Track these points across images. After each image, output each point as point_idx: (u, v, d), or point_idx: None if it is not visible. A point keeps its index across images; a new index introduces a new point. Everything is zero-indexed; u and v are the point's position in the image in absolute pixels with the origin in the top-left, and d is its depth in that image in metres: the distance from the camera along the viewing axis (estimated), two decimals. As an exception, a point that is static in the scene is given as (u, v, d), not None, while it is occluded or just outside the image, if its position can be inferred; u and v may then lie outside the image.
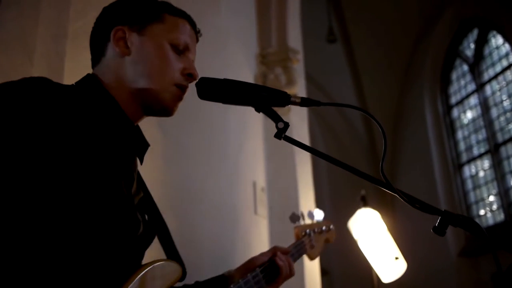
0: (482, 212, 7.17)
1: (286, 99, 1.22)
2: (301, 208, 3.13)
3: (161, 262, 1.14)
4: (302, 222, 1.81)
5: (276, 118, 1.21)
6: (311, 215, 1.88)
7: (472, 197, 7.36)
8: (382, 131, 1.19)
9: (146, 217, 1.30)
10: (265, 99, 1.22)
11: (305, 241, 1.77)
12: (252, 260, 1.55)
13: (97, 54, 1.26)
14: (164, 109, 1.24)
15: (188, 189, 2.48)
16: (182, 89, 1.25)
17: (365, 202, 3.44)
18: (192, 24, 1.31)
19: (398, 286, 4.45)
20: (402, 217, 6.93)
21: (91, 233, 0.99)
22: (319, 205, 3.57)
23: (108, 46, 1.23)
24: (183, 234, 2.34)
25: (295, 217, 1.80)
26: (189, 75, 1.25)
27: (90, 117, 1.09)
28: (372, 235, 3.18)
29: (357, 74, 8.23)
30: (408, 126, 8.25)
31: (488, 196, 7.11)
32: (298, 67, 3.50)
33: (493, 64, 7.19)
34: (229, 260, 2.62)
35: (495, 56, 7.16)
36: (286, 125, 1.20)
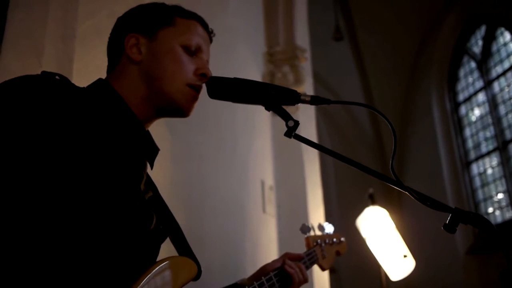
0: (490, 209, 7.14)
1: (296, 98, 1.23)
2: (309, 207, 3.13)
3: (176, 259, 1.14)
4: (312, 233, 1.82)
5: (286, 117, 1.21)
6: (321, 227, 1.87)
7: (480, 194, 7.33)
8: (391, 128, 1.19)
9: (157, 215, 1.30)
10: (275, 97, 1.23)
11: (316, 251, 1.77)
12: (264, 268, 1.54)
13: (112, 63, 1.28)
14: (179, 109, 1.24)
15: (197, 188, 2.49)
16: (196, 89, 1.25)
17: (373, 200, 3.44)
18: (204, 25, 1.32)
19: (406, 285, 4.45)
20: (409, 215, 6.91)
21: (102, 228, 1.00)
22: (326, 203, 3.56)
23: (122, 53, 1.25)
24: (192, 234, 2.33)
25: (306, 228, 1.79)
26: (203, 75, 1.25)
27: (100, 118, 1.10)
28: (381, 233, 3.18)
29: (364, 71, 8.21)
30: (416, 124, 8.22)
31: (497, 193, 7.08)
32: (306, 66, 3.49)
33: (501, 61, 7.15)
34: (238, 259, 2.63)
35: (503, 53, 7.12)
36: (296, 123, 1.20)
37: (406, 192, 1.10)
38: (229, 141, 2.76)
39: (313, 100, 1.22)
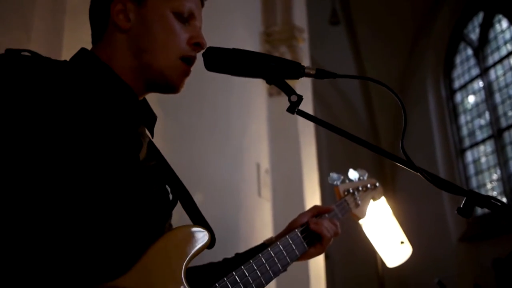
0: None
1: (299, 71, 1.15)
2: (305, 191, 3.07)
3: (187, 228, 1.07)
4: (338, 182, 1.66)
5: (289, 91, 1.14)
6: (354, 175, 1.72)
7: (474, 182, 7.31)
8: (401, 104, 1.12)
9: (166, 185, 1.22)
10: (277, 70, 1.14)
11: (348, 200, 1.64)
12: (291, 224, 1.44)
13: (97, 31, 1.18)
14: (170, 85, 1.16)
15: (190, 171, 2.41)
16: (189, 62, 1.16)
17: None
18: None
19: (398, 271, 4.42)
20: (403, 201, 6.89)
21: (100, 201, 0.93)
22: (321, 187, 3.50)
23: (108, 21, 1.15)
24: (185, 218, 2.27)
25: (335, 177, 1.66)
26: (196, 44, 1.16)
27: (85, 90, 1.01)
28: (377, 218, 3.11)
29: (359, 57, 8.13)
30: (411, 110, 8.16)
31: (491, 181, 7.06)
32: (304, 47, 3.40)
33: (498, 48, 7.09)
34: (233, 243, 2.56)
35: (500, 40, 7.05)
36: (300, 98, 1.13)
37: (418, 173, 1.02)
38: (224, 123, 2.67)
39: (318, 73, 1.14)
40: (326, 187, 3.42)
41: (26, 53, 0.97)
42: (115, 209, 0.95)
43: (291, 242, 1.31)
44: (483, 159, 7.24)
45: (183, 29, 1.16)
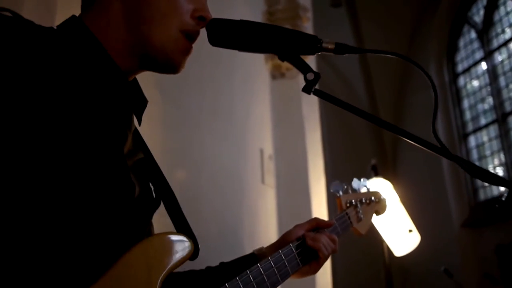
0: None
1: (316, 45, 1.01)
2: (310, 177, 2.95)
3: (168, 236, 0.94)
4: (340, 193, 1.53)
5: (304, 68, 1.00)
6: (358, 184, 1.59)
7: (477, 167, 7.22)
8: (432, 85, 1.00)
9: (149, 183, 1.09)
10: (292, 44, 1.01)
11: (350, 213, 1.50)
12: (285, 236, 1.29)
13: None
14: (169, 63, 1.01)
15: (191, 158, 2.29)
16: (191, 38, 1.02)
17: (376, 172, 3.25)
18: None
19: (400, 258, 4.33)
20: (405, 186, 6.79)
21: (74, 199, 0.80)
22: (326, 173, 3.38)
23: None
24: (187, 206, 2.15)
25: (338, 186, 1.52)
26: (201, 19, 1.02)
27: (68, 65, 0.87)
28: (384, 206, 3.01)
29: (361, 39, 7.96)
30: (413, 94, 8.04)
31: (494, 167, 6.96)
32: (308, 27, 3.25)
33: (503, 31, 6.94)
34: (236, 233, 2.45)
35: (506, 22, 6.90)
36: (317, 76, 0.99)
37: (454, 162, 0.90)
38: (226, 107, 2.54)
39: (338, 48, 1.01)
40: (330, 174, 3.31)
41: (7, 13, 0.83)
42: (89, 210, 0.81)
43: (284, 258, 1.17)
44: (486, 144, 7.14)
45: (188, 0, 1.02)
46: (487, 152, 7.11)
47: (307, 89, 1.00)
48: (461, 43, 7.67)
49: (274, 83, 3.01)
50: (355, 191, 1.59)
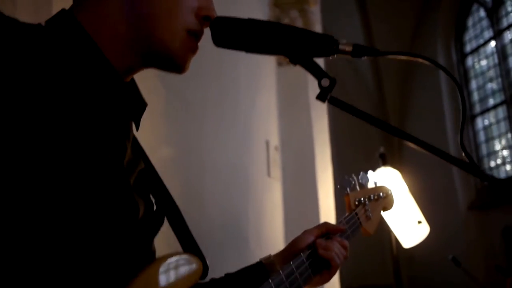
0: (493, 164, 6.96)
1: (331, 47, 0.92)
2: (317, 168, 2.86)
3: (175, 257, 0.86)
4: (348, 191, 1.42)
5: (319, 73, 0.91)
6: (364, 178, 1.48)
7: (484, 149, 7.12)
8: (460, 92, 0.91)
9: (151, 197, 1.01)
10: (304, 46, 0.92)
11: (359, 213, 1.41)
12: (294, 243, 1.21)
13: None
14: (175, 62, 0.92)
15: (195, 150, 2.21)
16: (196, 36, 0.93)
17: (384, 161, 3.16)
18: None
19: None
20: (410, 172, 6.72)
21: (74, 225, 0.72)
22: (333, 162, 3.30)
23: None
24: (190, 201, 2.09)
25: (346, 182, 1.42)
26: (206, 18, 0.93)
27: (60, 70, 0.77)
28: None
29: (367, 18, 7.79)
30: (420, 75, 7.90)
31: (502, 149, 6.87)
32: (315, 10, 3.12)
33: (513, 9, 6.76)
34: (241, 226, 2.39)
35: (516, 0, 6.72)
36: (333, 81, 0.90)
37: (484, 181, 0.82)
38: (231, 97, 2.45)
39: (356, 51, 0.91)
40: (336, 162, 3.22)
41: None
42: (92, 236, 0.74)
43: (295, 270, 1.08)
44: (494, 126, 7.02)
45: None
46: (495, 134, 7.00)
47: (322, 97, 0.90)
48: (470, 22, 7.49)
49: (280, 69, 2.91)
50: (362, 186, 1.50)
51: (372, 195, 1.47)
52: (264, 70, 2.79)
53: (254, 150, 2.56)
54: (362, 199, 1.43)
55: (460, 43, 7.62)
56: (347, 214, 1.38)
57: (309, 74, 0.93)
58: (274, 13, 2.93)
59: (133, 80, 0.99)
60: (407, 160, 7.31)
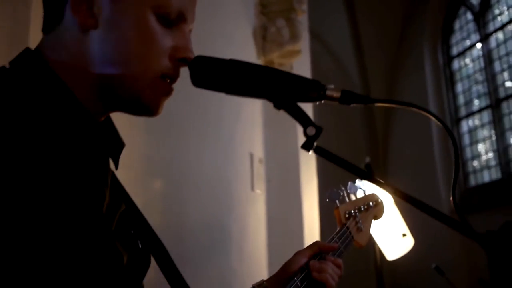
0: (477, 168, 6.99)
1: (318, 92, 0.88)
2: (302, 181, 2.82)
3: None
4: (337, 203, 1.36)
5: (304, 120, 0.87)
6: (353, 188, 1.44)
7: (468, 152, 7.15)
8: (453, 142, 0.87)
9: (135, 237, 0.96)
10: (289, 91, 0.87)
11: (350, 226, 1.36)
12: (287, 266, 1.17)
13: (49, 19, 0.85)
14: (145, 108, 0.86)
15: (177, 164, 2.15)
16: (172, 79, 0.88)
17: (370, 171, 3.14)
18: None
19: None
20: (395, 183, 6.71)
21: (59, 283, 0.66)
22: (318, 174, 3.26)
23: (66, 10, 0.82)
24: (173, 215, 2.04)
25: (335, 194, 1.37)
26: (182, 61, 0.87)
27: (26, 114, 0.71)
28: (378, 209, 2.90)
29: (354, 18, 7.75)
30: (406, 76, 7.90)
31: (486, 152, 6.90)
32: (303, 19, 3.07)
33: (500, 14, 6.76)
34: (224, 242, 2.34)
35: (503, 5, 6.72)
36: (319, 130, 0.86)
37: (477, 242, 0.78)
38: (215, 108, 2.39)
39: (344, 97, 0.87)
40: (322, 175, 3.18)
41: None
42: None
43: None
44: (479, 129, 7.06)
45: (167, 34, 0.85)
46: (479, 137, 7.03)
47: (307, 146, 0.86)
48: (457, 25, 7.50)
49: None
50: (351, 196, 1.45)
51: (362, 206, 1.44)
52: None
53: (238, 163, 2.51)
54: (352, 211, 1.39)
55: (447, 45, 7.63)
56: (338, 229, 1.33)
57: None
58: (261, 22, 2.86)
59: (108, 119, 0.93)
60: (393, 171, 7.33)
